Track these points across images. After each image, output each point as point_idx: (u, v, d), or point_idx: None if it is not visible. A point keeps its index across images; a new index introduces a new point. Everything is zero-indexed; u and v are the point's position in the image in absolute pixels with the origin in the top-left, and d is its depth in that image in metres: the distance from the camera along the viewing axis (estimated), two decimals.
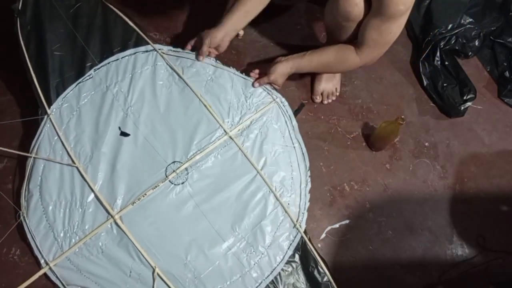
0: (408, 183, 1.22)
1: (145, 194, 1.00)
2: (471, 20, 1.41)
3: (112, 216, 0.97)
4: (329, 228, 1.13)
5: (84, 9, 1.15)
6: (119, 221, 0.97)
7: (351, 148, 1.24)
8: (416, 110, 1.34)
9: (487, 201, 1.23)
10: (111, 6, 1.17)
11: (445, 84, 1.35)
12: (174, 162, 1.04)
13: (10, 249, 1.00)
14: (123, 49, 1.14)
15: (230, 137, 1.09)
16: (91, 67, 1.11)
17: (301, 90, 1.31)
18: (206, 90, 1.13)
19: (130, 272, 0.95)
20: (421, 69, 1.37)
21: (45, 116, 1.06)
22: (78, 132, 1.05)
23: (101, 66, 1.12)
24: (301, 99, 1.29)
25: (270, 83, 1.14)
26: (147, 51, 1.15)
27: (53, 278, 0.94)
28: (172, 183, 1.02)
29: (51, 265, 0.94)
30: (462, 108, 1.32)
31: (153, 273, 0.95)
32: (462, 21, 1.41)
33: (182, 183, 1.03)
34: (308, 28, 1.42)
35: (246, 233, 1.01)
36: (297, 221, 1.05)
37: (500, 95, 1.40)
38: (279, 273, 1.00)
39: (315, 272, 1.01)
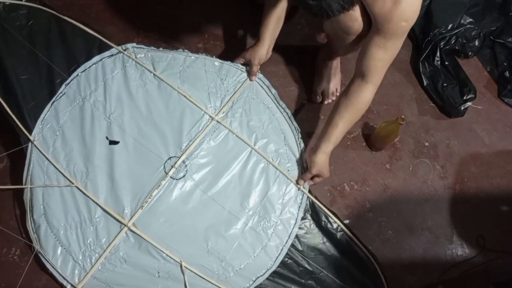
0: (408, 183, 1.22)
1: (151, 196, 1.00)
2: (471, 20, 1.41)
3: (125, 225, 0.97)
4: None
5: (37, 26, 1.10)
6: (133, 228, 0.97)
7: (351, 148, 1.24)
8: (416, 110, 1.34)
9: (487, 201, 1.23)
10: (66, 17, 1.13)
11: (445, 84, 1.35)
12: (170, 158, 1.04)
13: (10, 249, 1.00)
14: (88, 57, 1.10)
15: (217, 121, 1.09)
16: (61, 83, 1.07)
17: (301, 90, 1.30)
18: (182, 80, 1.12)
19: (158, 273, 0.95)
20: (421, 69, 1.37)
21: (29, 144, 1.02)
22: (67, 152, 1.02)
23: (71, 80, 1.08)
24: (301, 99, 1.29)
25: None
26: (112, 55, 1.12)
27: None
28: (174, 179, 1.02)
29: (79, 287, 0.93)
30: (462, 108, 1.32)
31: (180, 267, 0.96)
32: (462, 21, 1.41)
33: (184, 176, 1.03)
34: (308, 28, 1.42)
35: (257, 208, 1.04)
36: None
37: (500, 95, 1.40)
38: (296, 235, 1.05)
39: (328, 225, 1.07)
